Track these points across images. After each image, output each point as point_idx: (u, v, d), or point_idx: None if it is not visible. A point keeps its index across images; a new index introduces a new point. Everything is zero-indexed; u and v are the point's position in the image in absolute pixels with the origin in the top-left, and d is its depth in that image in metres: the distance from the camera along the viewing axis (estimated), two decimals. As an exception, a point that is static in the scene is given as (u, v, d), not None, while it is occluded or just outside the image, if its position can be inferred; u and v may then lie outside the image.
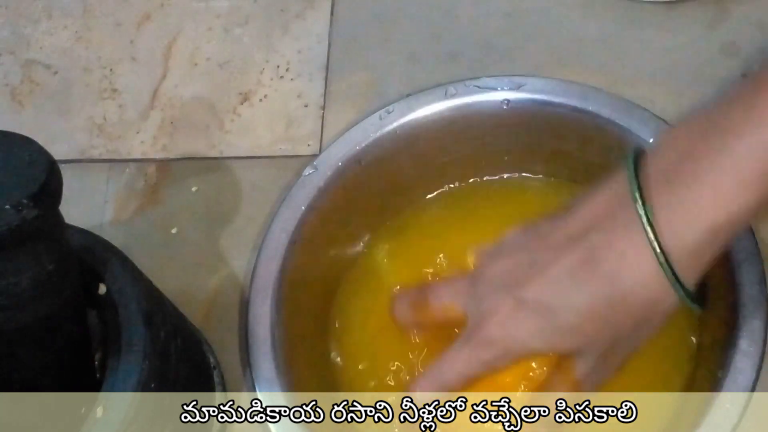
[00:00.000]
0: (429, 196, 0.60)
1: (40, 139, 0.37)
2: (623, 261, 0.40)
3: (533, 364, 0.48)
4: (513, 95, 0.56)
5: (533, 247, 0.44)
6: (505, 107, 0.56)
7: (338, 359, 0.56)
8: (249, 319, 0.52)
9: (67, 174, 0.38)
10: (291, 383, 0.50)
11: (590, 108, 0.55)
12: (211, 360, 0.51)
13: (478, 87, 0.57)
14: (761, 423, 0.47)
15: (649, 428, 0.51)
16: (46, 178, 0.36)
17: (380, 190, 0.58)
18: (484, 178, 0.60)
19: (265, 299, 0.52)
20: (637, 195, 0.40)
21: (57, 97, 0.64)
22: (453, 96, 0.57)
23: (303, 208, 0.55)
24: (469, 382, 0.46)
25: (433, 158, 0.58)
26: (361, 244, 0.59)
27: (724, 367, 0.47)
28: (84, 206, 0.58)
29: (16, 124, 0.63)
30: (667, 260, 0.39)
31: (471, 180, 0.60)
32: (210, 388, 0.50)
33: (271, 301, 0.52)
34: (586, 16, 0.60)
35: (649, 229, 0.39)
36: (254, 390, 0.50)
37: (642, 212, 0.39)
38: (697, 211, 0.39)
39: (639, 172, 0.40)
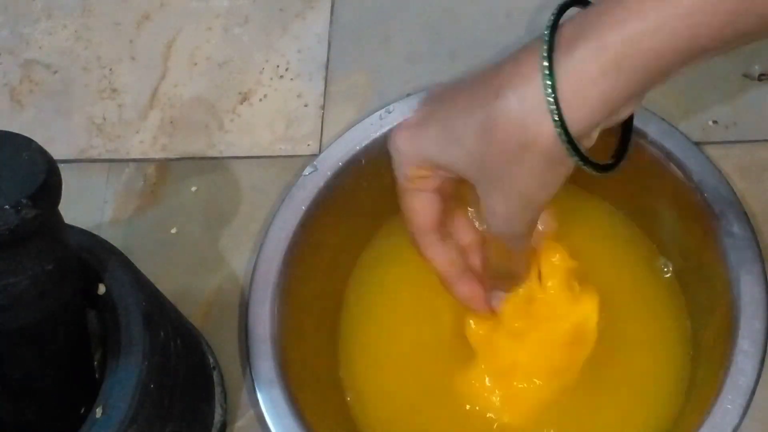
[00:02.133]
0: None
1: (40, 139, 0.37)
2: (513, 77, 0.39)
3: None
4: (513, 95, 0.56)
5: (466, 77, 0.44)
6: (505, 107, 0.56)
7: (339, 359, 0.56)
8: (249, 319, 0.52)
9: (67, 174, 0.37)
10: (291, 383, 0.50)
11: (590, 108, 0.55)
12: (211, 360, 0.51)
13: (479, 87, 0.57)
14: (762, 424, 0.47)
15: (650, 428, 0.51)
16: (45, 178, 0.35)
17: (380, 190, 0.58)
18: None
19: (265, 299, 0.52)
20: (551, 21, 0.39)
21: (56, 96, 0.64)
22: (453, 96, 0.57)
23: (303, 208, 0.55)
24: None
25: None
26: (361, 243, 0.59)
27: (724, 368, 0.47)
28: (83, 206, 0.58)
29: (15, 123, 0.63)
30: (551, 72, 0.38)
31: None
32: (209, 388, 0.50)
33: (271, 301, 0.52)
34: (587, 15, 0.60)
35: (546, 39, 0.38)
36: (254, 390, 0.50)
37: (546, 32, 0.38)
38: (591, 28, 0.37)
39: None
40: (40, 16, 0.67)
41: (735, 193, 0.51)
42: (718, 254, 0.50)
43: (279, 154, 0.59)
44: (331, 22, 0.63)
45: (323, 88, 0.61)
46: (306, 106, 0.60)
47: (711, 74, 0.57)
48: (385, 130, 0.56)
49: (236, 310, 0.54)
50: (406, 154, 0.45)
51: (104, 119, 0.62)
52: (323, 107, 0.60)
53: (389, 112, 0.57)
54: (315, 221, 0.55)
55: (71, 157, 0.61)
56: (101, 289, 0.43)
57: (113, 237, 0.46)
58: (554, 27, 0.39)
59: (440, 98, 0.45)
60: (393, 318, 0.56)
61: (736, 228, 0.50)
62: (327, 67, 0.61)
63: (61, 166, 0.37)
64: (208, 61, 0.63)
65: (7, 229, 0.35)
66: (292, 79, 0.62)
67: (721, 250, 0.50)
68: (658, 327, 0.53)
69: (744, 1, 0.35)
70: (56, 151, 0.37)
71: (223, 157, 0.59)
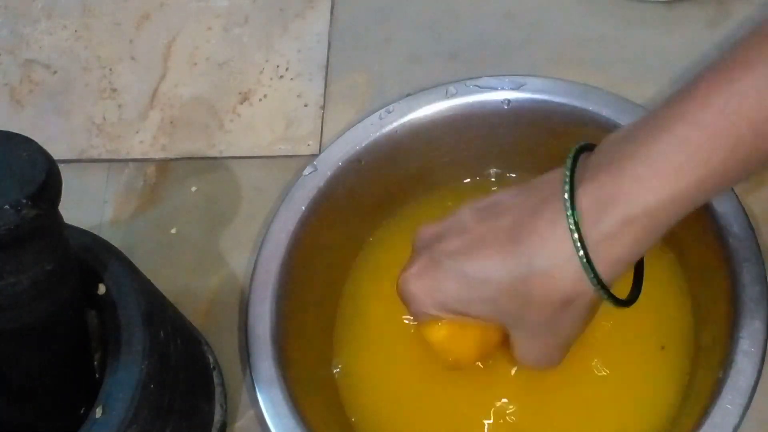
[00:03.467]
0: (429, 195, 0.60)
1: (40, 139, 0.37)
2: (543, 243, 0.41)
3: None
4: (513, 95, 0.56)
5: (466, 217, 0.45)
6: (505, 107, 0.56)
7: (339, 359, 0.56)
8: (249, 319, 0.52)
9: (67, 174, 0.37)
10: (291, 383, 0.50)
11: (590, 108, 0.55)
12: (211, 360, 0.51)
13: (479, 87, 0.57)
14: (762, 424, 0.47)
15: (650, 428, 0.51)
16: (45, 178, 0.35)
17: (380, 190, 0.58)
18: (485, 178, 0.60)
19: (265, 299, 0.52)
20: (567, 179, 0.40)
21: (56, 96, 0.64)
22: (453, 96, 0.57)
23: (303, 208, 0.55)
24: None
25: (433, 158, 0.58)
26: (361, 243, 0.59)
27: (724, 368, 0.47)
28: (83, 206, 0.58)
29: (15, 123, 0.63)
30: (583, 245, 0.40)
31: (471, 180, 0.60)
32: (209, 388, 0.50)
33: (271, 301, 0.52)
34: (586, 15, 0.60)
35: (570, 212, 0.40)
36: (254, 390, 0.50)
37: (567, 197, 0.40)
38: (615, 200, 0.39)
39: (580, 163, 0.41)
40: (40, 16, 0.67)
41: (735, 194, 0.51)
42: (718, 254, 0.50)
43: (279, 154, 0.59)
44: (331, 22, 0.63)
45: (323, 88, 0.61)
46: (306, 106, 0.60)
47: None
48: (385, 130, 0.57)
49: (236, 310, 0.54)
50: (424, 303, 0.45)
51: (104, 119, 0.62)
52: (323, 107, 0.60)
53: (389, 112, 0.57)
54: (315, 221, 0.55)
55: (71, 157, 0.61)
56: (101, 289, 0.43)
57: (113, 237, 0.47)
58: (572, 188, 0.40)
59: (445, 247, 0.44)
60: (392, 318, 0.56)
61: (736, 228, 0.50)
62: (327, 67, 0.61)
63: (61, 166, 0.37)
64: (208, 61, 0.63)
65: (7, 229, 0.35)
66: (292, 79, 0.62)
67: (721, 250, 0.50)
68: (658, 327, 0.53)
69: (753, 152, 0.38)
70: (56, 151, 0.37)
71: (223, 157, 0.59)
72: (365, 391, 0.55)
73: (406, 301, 0.46)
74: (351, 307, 0.57)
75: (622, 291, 0.44)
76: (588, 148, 0.43)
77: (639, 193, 0.39)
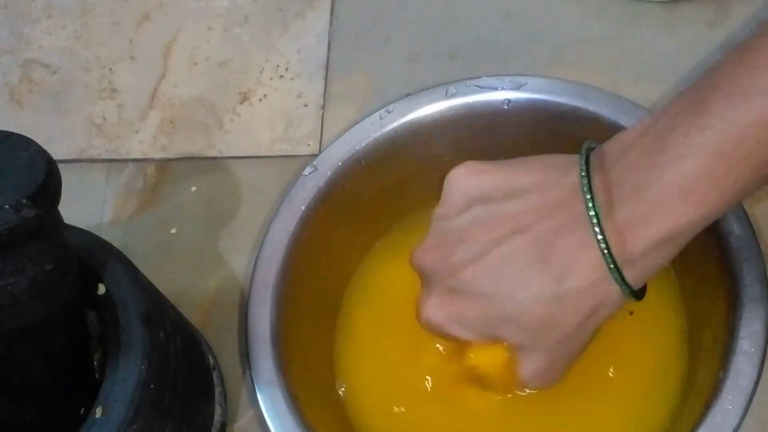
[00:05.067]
0: (429, 195, 0.60)
1: (39, 139, 0.37)
2: (572, 261, 0.41)
3: None
4: (514, 95, 0.56)
5: (468, 235, 0.44)
6: (506, 107, 0.56)
7: (339, 359, 0.56)
8: (249, 319, 0.52)
9: (66, 174, 0.37)
10: (291, 384, 0.50)
11: (590, 108, 0.55)
12: (211, 360, 0.51)
13: (479, 87, 0.57)
14: (762, 424, 0.47)
15: (650, 428, 0.51)
16: (45, 178, 0.35)
17: (380, 190, 0.58)
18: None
19: (265, 299, 0.52)
20: (590, 202, 0.40)
21: (56, 96, 0.64)
22: (453, 96, 0.57)
23: (303, 208, 0.55)
24: None
25: (434, 158, 0.58)
26: (362, 243, 0.59)
27: (724, 368, 0.47)
28: (83, 206, 0.58)
29: (14, 123, 0.63)
30: (616, 266, 0.40)
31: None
32: (209, 388, 0.50)
33: (271, 301, 0.52)
34: (586, 15, 0.60)
35: (600, 237, 0.40)
36: (254, 390, 0.50)
37: (595, 221, 0.40)
38: (646, 224, 0.40)
39: (591, 173, 0.41)
40: (40, 16, 0.67)
41: (735, 193, 0.51)
42: (718, 254, 0.50)
43: (279, 154, 0.59)
44: (331, 22, 0.63)
45: (323, 88, 0.61)
46: (306, 106, 0.60)
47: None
48: (385, 129, 0.57)
49: (236, 310, 0.54)
50: (451, 329, 0.45)
51: (104, 119, 0.62)
52: (323, 107, 0.60)
53: (389, 112, 0.57)
54: (315, 221, 0.55)
55: (71, 157, 0.61)
56: (101, 289, 0.43)
57: (113, 237, 0.46)
58: (591, 192, 0.40)
59: (461, 275, 0.44)
60: (392, 318, 0.56)
61: (736, 228, 0.50)
62: (327, 67, 0.61)
63: (61, 166, 0.37)
64: (208, 61, 0.63)
65: (7, 229, 0.35)
66: (292, 79, 0.62)
67: (721, 250, 0.50)
68: (658, 326, 0.53)
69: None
70: (56, 151, 0.37)
71: (223, 157, 0.59)
72: (365, 390, 0.55)
73: (434, 332, 0.46)
74: (351, 306, 0.57)
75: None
76: (591, 149, 0.42)
77: (671, 219, 0.39)
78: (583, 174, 0.41)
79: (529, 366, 0.45)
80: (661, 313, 0.54)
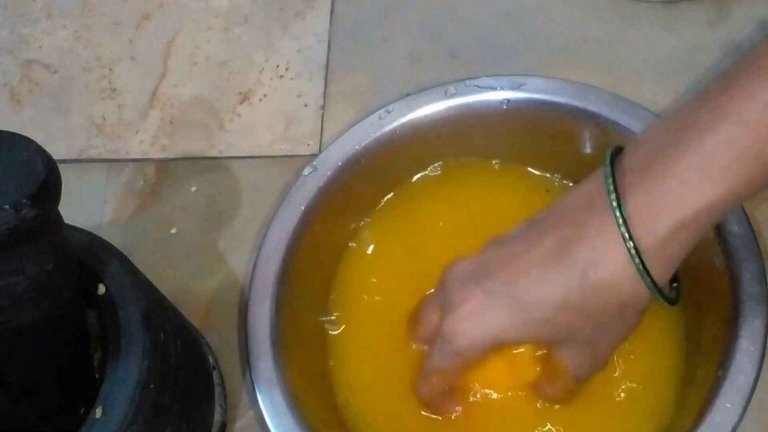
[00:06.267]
0: (429, 195, 0.60)
1: (39, 139, 0.37)
2: (595, 253, 0.41)
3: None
4: (513, 95, 0.56)
5: (506, 243, 0.45)
6: (505, 107, 0.56)
7: (338, 359, 0.56)
8: (249, 319, 0.52)
9: (66, 174, 0.37)
10: (291, 383, 0.50)
11: (590, 108, 0.55)
12: (211, 360, 0.51)
13: (478, 87, 0.57)
14: (762, 423, 0.47)
15: (649, 428, 0.51)
16: (45, 178, 0.35)
17: (380, 190, 0.58)
18: (485, 178, 0.60)
19: (265, 299, 0.52)
20: (612, 188, 0.40)
21: (56, 96, 0.64)
22: (453, 96, 0.57)
23: (302, 208, 0.55)
24: (455, 376, 0.47)
25: (433, 158, 0.58)
26: (361, 243, 0.59)
27: (724, 367, 0.47)
28: (83, 206, 0.58)
29: (15, 123, 0.63)
30: (637, 252, 0.40)
31: (471, 179, 0.60)
32: (209, 388, 0.50)
33: (271, 301, 0.52)
34: (586, 15, 0.60)
35: (621, 221, 0.40)
36: (254, 390, 0.50)
37: (615, 205, 0.40)
38: (666, 204, 0.40)
39: (615, 168, 0.41)
40: (40, 16, 0.67)
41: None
42: (718, 254, 0.50)
43: (279, 154, 0.59)
44: (331, 22, 0.63)
45: (323, 88, 0.61)
46: (306, 106, 0.60)
47: (711, 74, 0.57)
48: (385, 129, 0.56)
49: (236, 310, 0.54)
50: (475, 341, 0.45)
51: (104, 119, 0.62)
52: (323, 107, 0.60)
53: (389, 112, 0.57)
54: (315, 221, 0.55)
55: (71, 157, 0.61)
56: (101, 289, 0.43)
57: (113, 237, 0.46)
58: (614, 183, 0.41)
59: (492, 276, 0.44)
60: (392, 318, 0.56)
61: (736, 228, 0.50)
62: (327, 67, 0.61)
63: (60, 166, 0.37)
64: (208, 61, 0.63)
65: (7, 229, 0.35)
66: (292, 79, 0.62)
67: (721, 249, 0.50)
68: (658, 326, 0.53)
69: None
70: (56, 151, 0.37)
71: (223, 157, 0.59)
72: (365, 391, 0.55)
73: (454, 344, 0.45)
74: (352, 305, 0.57)
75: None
76: (616, 152, 0.43)
77: (691, 197, 0.39)
78: (606, 164, 0.41)
79: (571, 359, 0.45)
80: (660, 313, 0.54)
